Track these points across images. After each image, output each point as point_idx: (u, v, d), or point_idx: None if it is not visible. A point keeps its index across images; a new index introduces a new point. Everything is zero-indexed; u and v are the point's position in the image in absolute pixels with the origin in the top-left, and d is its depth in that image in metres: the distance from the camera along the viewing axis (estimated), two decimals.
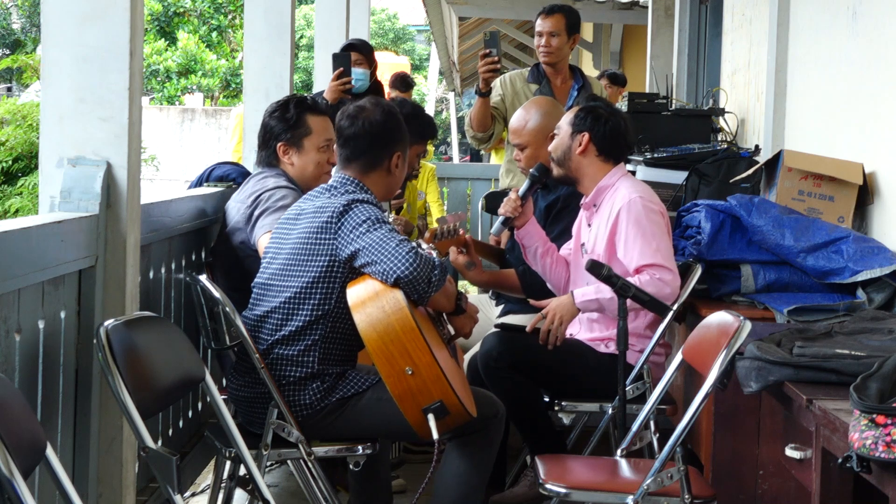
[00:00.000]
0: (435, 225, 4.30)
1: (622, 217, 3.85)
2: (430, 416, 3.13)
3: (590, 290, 3.88)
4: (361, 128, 3.43)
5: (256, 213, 3.88)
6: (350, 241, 3.25)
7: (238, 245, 3.97)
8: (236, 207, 3.99)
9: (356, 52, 5.62)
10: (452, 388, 3.13)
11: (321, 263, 3.30)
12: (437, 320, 3.47)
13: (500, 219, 4.15)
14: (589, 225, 4.06)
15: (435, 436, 3.12)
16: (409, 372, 3.11)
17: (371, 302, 3.18)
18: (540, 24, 5.66)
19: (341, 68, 5.43)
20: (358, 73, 5.59)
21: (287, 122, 4.04)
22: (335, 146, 3.56)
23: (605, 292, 3.75)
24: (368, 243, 3.22)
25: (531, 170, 4.20)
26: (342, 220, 3.28)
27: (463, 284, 9.30)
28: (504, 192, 5.72)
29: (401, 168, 3.49)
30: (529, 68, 5.81)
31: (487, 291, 4.86)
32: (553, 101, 4.81)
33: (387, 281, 3.18)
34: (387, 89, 9.57)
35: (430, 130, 4.61)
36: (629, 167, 5.79)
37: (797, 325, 3.50)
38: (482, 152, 11.98)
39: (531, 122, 4.46)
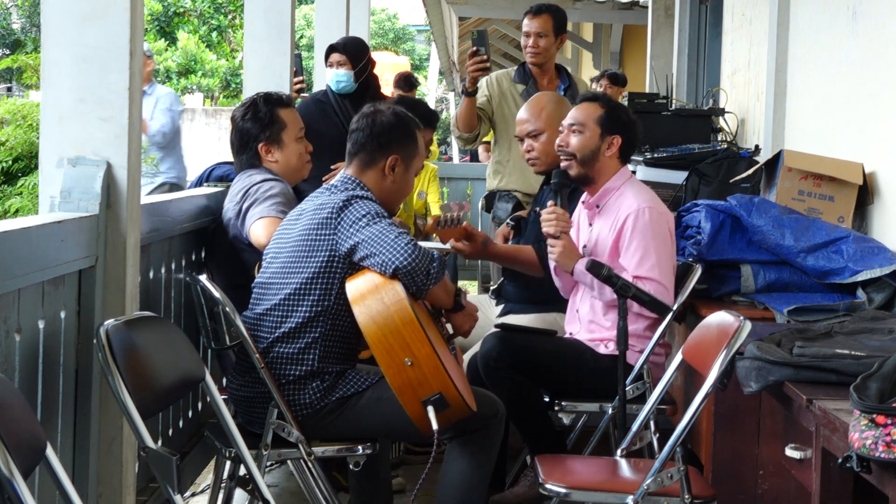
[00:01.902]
0: (438, 212, 4.31)
1: (628, 224, 3.85)
2: (430, 409, 3.13)
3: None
4: (365, 123, 3.48)
5: (245, 206, 3.91)
6: (349, 236, 3.27)
7: (232, 240, 3.98)
8: (227, 207, 4.03)
9: (338, 53, 5.63)
10: (452, 381, 3.13)
11: (321, 259, 3.31)
12: (436, 318, 3.48)
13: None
14: (590, 224, 4.06)
15: (434, 426, 3.11)
16: (409, 363, 3.12)
17: (371, 295, 3.19)
18: (527, 24, 5.64)
19: (294, 69, 5.50)
20: (339, 75, 5.62)
21: (262, 122, 4.07)
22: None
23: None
24: (368, 236, 3.24)
25: (554, 179, 4.08)
26: (341, 215, 3.31)
27: (462, 284, 9.31)
28: (500, 194, 5.73)
29: (399, 175, 3.48)
30: (515, 68, 5.81)
31: (487, 291, 4.87)
32: (560, 94, 4.88)
33: (385, 272, 3.19)
34: (391, 89, 9.61)
35: (430, 117, 4.64)
36: (629, 167, 5.80)
37: (797, 325, 3.50)
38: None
39: (548, 109, 4.51)
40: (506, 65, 18.37)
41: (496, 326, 4.11)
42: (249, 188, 3.95)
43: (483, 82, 5.70)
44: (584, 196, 4.11)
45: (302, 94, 5.41)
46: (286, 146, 4.08)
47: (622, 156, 4.03)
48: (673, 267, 3.89)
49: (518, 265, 4.44)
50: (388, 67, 18.18)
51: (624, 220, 3.87)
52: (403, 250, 3.19)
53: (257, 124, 4.07)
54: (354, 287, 3.24)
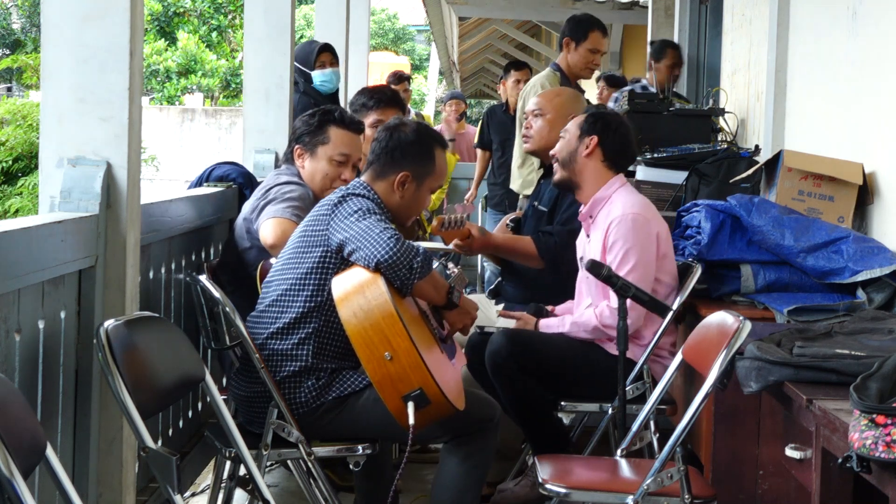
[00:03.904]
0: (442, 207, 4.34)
1: (611, 231, 3.87)
2: (410, 405, 3.12)
3: (554, 321, 4.01)
4: (384, 136, 3.53)
5: (263, 203, 3.94)
6: (339, 230, 3.30)
7: (244, 235, 3.99)
8: (251, 201, 4.07)
9: (329, 53, 5.73)
10: (433, 377, 3.11)
11: (316, 255, 3.34)
12: (429, 320, 3.47)
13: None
14: (588, 236, 4.07)
15: (411, 421, 3.11)
16: (388, 357, 3.11)
17: (354, 290, 3.20)
18: (599, 42, 6.10)
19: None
20: (328, 74, 5.69)
21: (309, 127, 4.09)
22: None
23: (566, 327, 3.93)
24: (356, 232, 3.26)
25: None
26: (335, 210, 3.35)
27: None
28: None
29: (409, 192, 3.49)
30: (555, 73, 5.93)
31: (490, 287, 4.87)
32: (579, 94, 4.97)
33: (368, 265, 3.21)
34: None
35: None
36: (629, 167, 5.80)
37: (797, 325, 3.50)
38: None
39: (563, 98, 4.64)
40: (503, 63, 18.36)
41: (477, 326, 4.12)
42: (273, 187, 4.00)
43: (537, 85, 5.79)
44: (580, 208, 4.12)
45: None
46: (318, 160, 4.08)
47: (608, 159, 4.01)
48: (652, 278, 3.87)
49: (517, 257, 4.44)
50: (388, 67, 18.16)
51: (608, 227, 3.88)
52: (386, 244, 3.20)
53: (304, 127, 4.11)
54: (339, 282, 3.25)
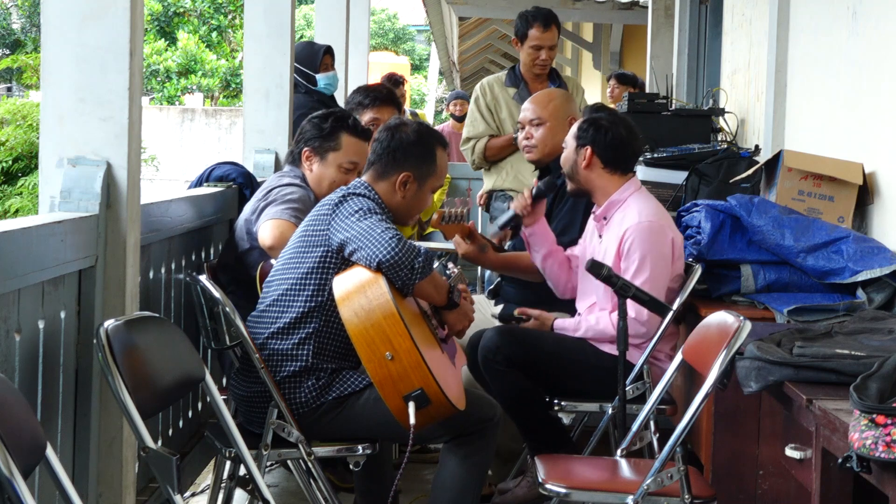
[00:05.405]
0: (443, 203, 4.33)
1: (627, 237, 3.85)
2: (411, 405, 3.12)
3: (570, 323, 4.00)
4: (385, 136, 3.52)
5: (263, 204, 3.93)
6: (340, 230, 3.30)
7: (244, 236, 3.99)
8: (252, 202, 4.06)
9: (330, 56, 5.80)
10: (434, 377, 3.12)
11: (316, 255, 3.35)
12: (429, 320, 3.47)
13: (505, 217, 4.15)
14: (600, 236, 4.05)
15: (412, 421, 3.11)
16: (389, 357, 3.12)
17: (356, 290, 3.21)
18: (540, 38, 5.77)
19: None
20: (332, 76, 5.73)
21: (320, 131, 4.07)
22: None
23: (582, 331, 3.92)
24: (357, 232, 3.27)
25: (539, 184, 4.16)
26: (336, 210, 3.35)
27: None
28: (496, 194, 5.77)
29: (410, 192, 3.50)
30: (506, 72, 5.91)
31: (490, 287, 4.87)
32: (569, 93, 4.91)
33: (370, 266, 3.21)
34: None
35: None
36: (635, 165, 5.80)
37: (797, 325, 3.51)
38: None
39: (556, 102, 4.56)
40: (506, 65, 18.39)
41: (499, 318, 4.12)
42: (274, 188, 4.00)
43: (477, 88, 5.80)
44: (593, 208, 4.11)
45: None
46: (327, 165, 4.06)
47: (609, 164, 3.96)
48: (666, 285, 3.87)
49: (516, 272, 4.43)
50: (388, 67, 18.16)
51: (623, 234, 3.86)
52: (387, 244, 3.20)
53: (314, 131, 4.08)
54: (340, 282, 3.25)
